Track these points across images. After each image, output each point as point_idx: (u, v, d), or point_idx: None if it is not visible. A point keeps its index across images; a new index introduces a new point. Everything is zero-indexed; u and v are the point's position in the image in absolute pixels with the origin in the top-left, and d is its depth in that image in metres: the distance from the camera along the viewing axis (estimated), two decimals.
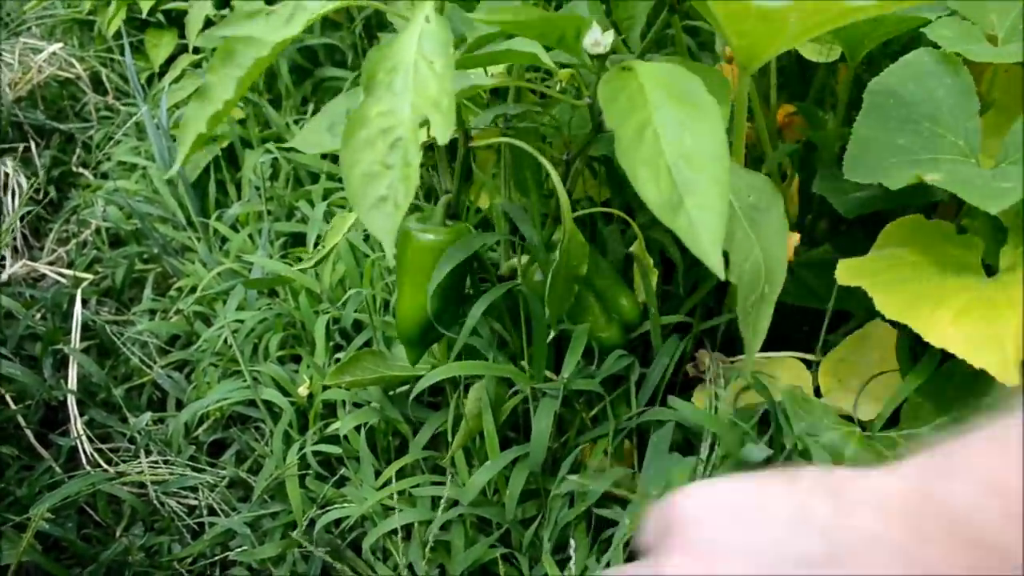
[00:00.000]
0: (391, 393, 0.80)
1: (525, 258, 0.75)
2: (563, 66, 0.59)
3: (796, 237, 0.85)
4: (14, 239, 1.24)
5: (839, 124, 0.87)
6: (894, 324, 0.64)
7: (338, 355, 0.92)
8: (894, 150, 0.64)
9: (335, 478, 0.79)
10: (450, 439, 0.75)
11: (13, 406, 0.94)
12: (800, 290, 0.81)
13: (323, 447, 0.80)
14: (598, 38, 0.51)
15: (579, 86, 0.57)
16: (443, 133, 0.42)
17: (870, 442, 0.56)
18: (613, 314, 0.74)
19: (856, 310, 0.79)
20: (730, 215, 0.52)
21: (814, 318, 0.76)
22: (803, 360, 0.73)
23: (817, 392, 0.71)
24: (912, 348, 0.67)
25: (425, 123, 0.43)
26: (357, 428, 0.80)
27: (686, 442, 0.73)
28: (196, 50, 1.34)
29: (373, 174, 0.42)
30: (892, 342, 0.68)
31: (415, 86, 0.43)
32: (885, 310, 0.59)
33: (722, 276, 0.41)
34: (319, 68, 1.29)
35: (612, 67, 0.48)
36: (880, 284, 0.61)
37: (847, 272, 0.64)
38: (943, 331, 0.56)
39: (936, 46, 0.68)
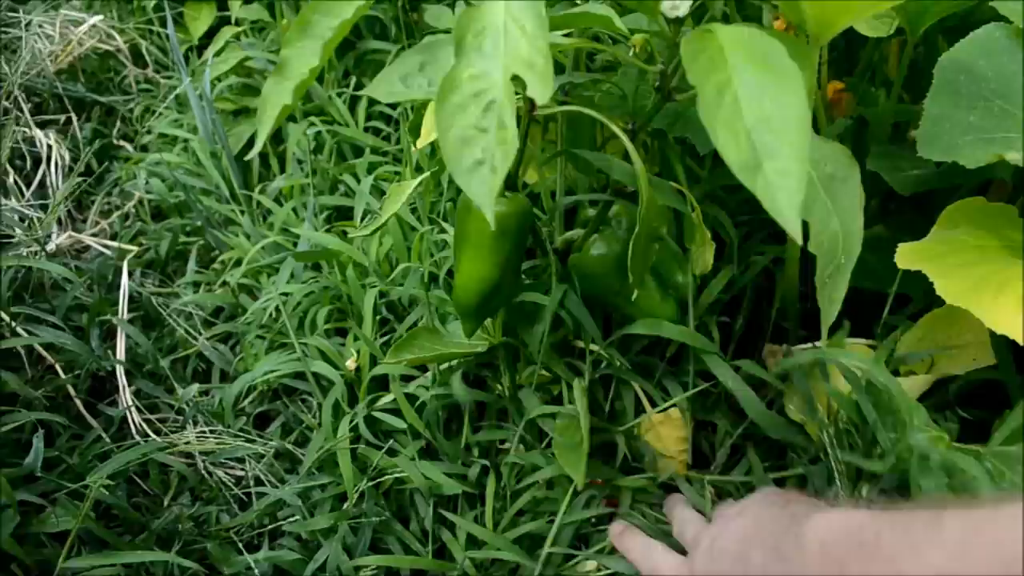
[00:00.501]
0: (442, 367, 0.80)
1: (580, 232, 0.74)
2: (633, 33, 0.58)
3: None
4: (58, 211, 1.25)
5: (893, 101, 0.85)
6: None
7: (385, 330, 0.92)
8: (966, 128, 0.63)
9: (384, 449, 0.79)
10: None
11: (63, 376, 0.94)
12: (856, 270, 0.80)
13: (380, 416, 0.81)
14: (676, 2, 0.50)
15: (652, 51, 0.56)
16: (542, 92, 0.42)
17: (956, 452, 0.55)
18: (670, 290, 0.73)
19: (914, 293, 0.78)
20: (809, 184, 0.52)
21: (869, 300, 0.75)
22: (870, 346, 0.72)
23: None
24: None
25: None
26: (410, 401, 0.80)
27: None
28: (238, 22, 1.34)
29: (467, 138, 0.42)
30: (974, 334, 0.67)
31: (506, 48, 0.43)
32: (946, 295, 0.58)
33: (799, 240, 0.41)
34: (361, 41, 1.29)
35: (693, 29, 0.47)
36: (942, 268, 0.60)
37: (908, 256, 0.63)
38: (1006, 317, 0.54)
39: (1007, 20, 0.66)
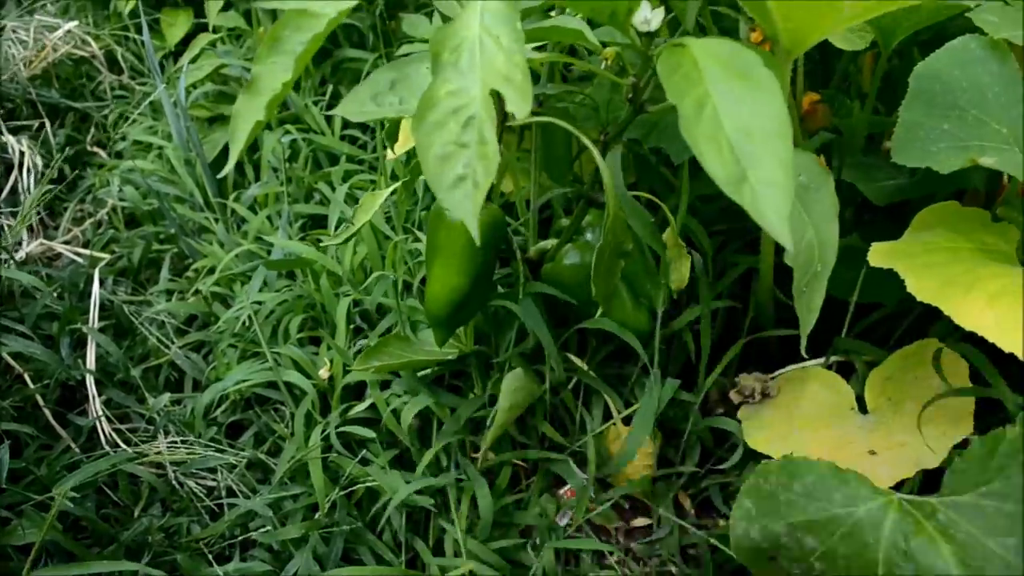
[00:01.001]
0: (419, 374, 0.80)
1: (553, 241, 0.74)
2: (606, 45, 0.58)
3: None
4: (30, 218, 1.23)
5: (868, 112, 0.86)
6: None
7: (359, 338, 0.91)
8: (941, 135, 0.64)
9: (356, 459, 0.79)
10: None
11: (32, 385, 0.93)
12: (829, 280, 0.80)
13: (351, 428, 0.80)
14: (648, 16, 0.51)
15: (624, 65, 0.56)
16: (521, 106, 0.42)
17: (908, 512, 0.55)
18: (641, 299, 0.73)
19: (887, 300, 0.79)
20: None
21: (840, 309, 0.76)
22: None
23: (862, 404, 0.71)
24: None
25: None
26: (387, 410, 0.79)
27: None
28: (214, 29, 1.33)
29: (448, 155, 0.42)
30: (952, 367, 0.68)
31: (483, 62, 0.43)
32: (918, 293, 0.59)
33: (791, 248, 0.41)
34: (338, 49, 1.28)
35: (665, 44, 0.48)
36: (914, 267, 0.61)
37: (880, 255, 0.64)
38: (976, 315, 0.55)
39: (981, 32, 0.67)
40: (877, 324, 0.81)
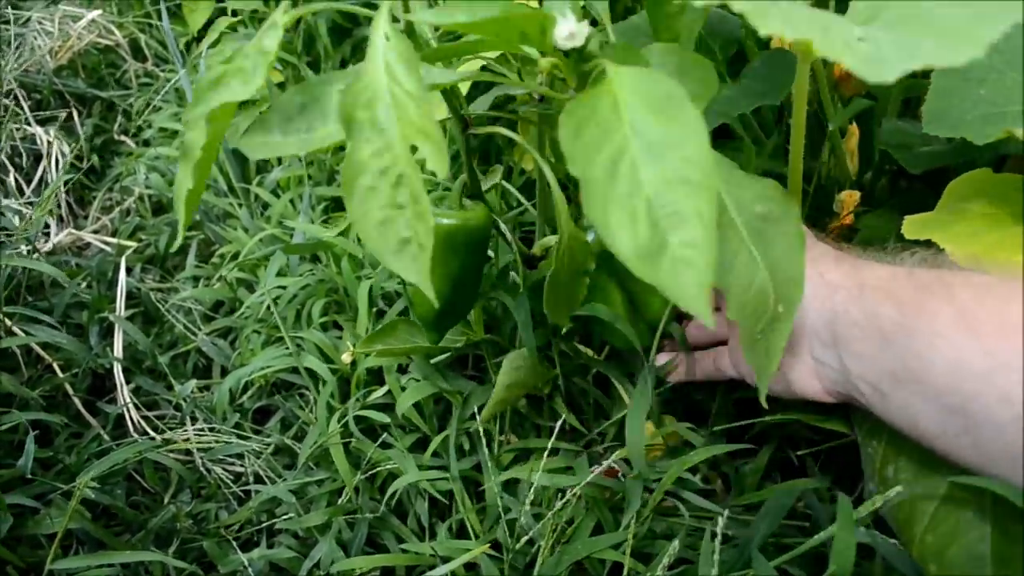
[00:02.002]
0: (434, 361, 0.78)
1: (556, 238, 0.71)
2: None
3: (856, 196, 0.81)
4: (59, 208, 1.25)
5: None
6: None
7: (382, 322, 0.90)
8: (976, 102, 0.60)
9: (377, 444, 0.78)
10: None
11: (61, 374, 0.94)
12: None
13: (368, 413, 0.79)
14: (572, 29, 0.44)
15: (564, 77, 0.50)
16: (440, 165, 0.38)
17: None
18: (641, 313, 0.70)
19: None
20: (729, 239, 0.48)
21: None
22: None
23: None
24: None
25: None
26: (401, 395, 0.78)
27: None
28: (234, 13, 1.32)
29: (387, 219, 0.38)
30: None
31: (398, 116, 0.38)
32: (960, 260, 0.55)
33: (712, 326, 0.35)
34: (358, 28, 1.27)
35: (578, 94, 0.42)
36: (951, 236, 0.58)
37: (914, 226, 0.61)
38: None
39: None
40: None
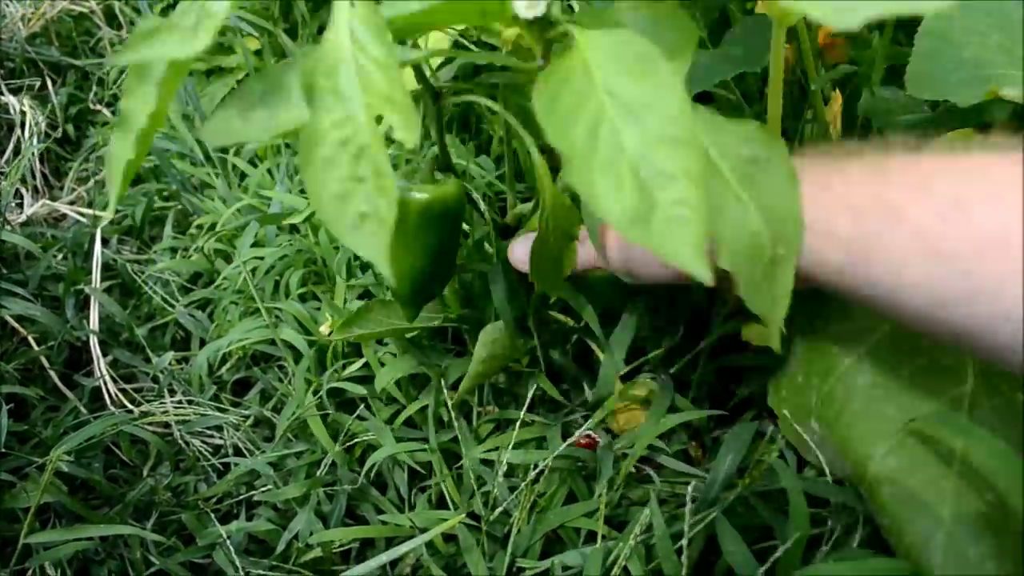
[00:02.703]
0: (413, 336, 0.78)
1: (530, 206, 0.71)
2: None
3: None
4: (34, 179, 1.22)
5: (886, 42, 0.81)
6: None
7: (361, 293, 0.89)
8: (960, 64, 0.59)
9: (355, 415, 0.78)
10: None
11: (36, 347, 0.93)
12: None
13: (346, 385, 0.79)
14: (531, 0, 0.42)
15: (530, 46, 0.48)
16: (410, 135, 0.36)
17: None
18: None
19: None
20: (715, 186, 0.45)
21: None
22: None
23: None
24: None
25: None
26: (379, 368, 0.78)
27: None
28: None
29: (345, 193, 0.37)
30: None
31: (362, 84, 0.37)
32: None
33: (710, 282, 0.33)
34: None
35: (549, 62, 0.41)
36: None
37: None
38: None
39: None
40: None
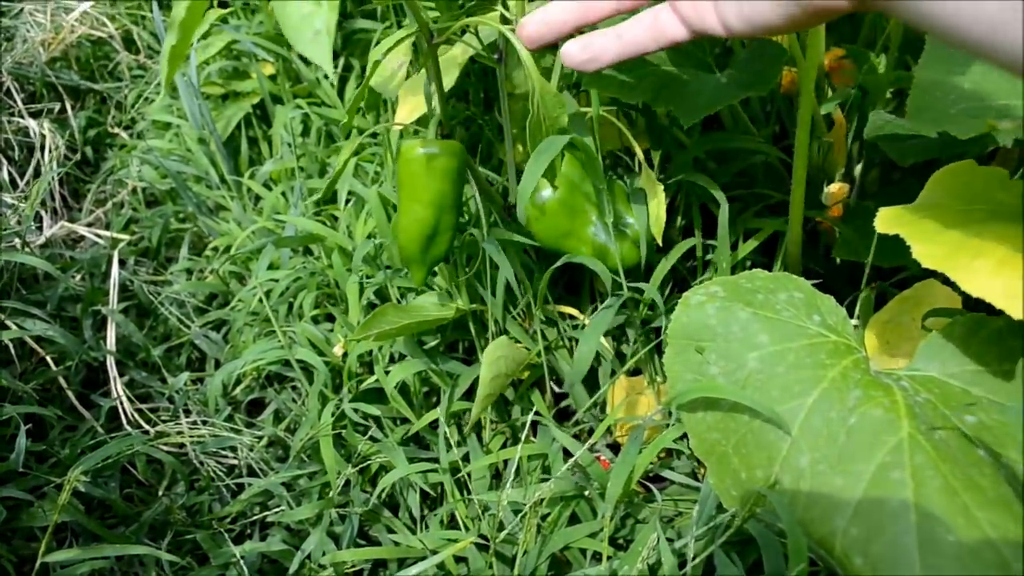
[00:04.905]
0: (425, 347, 0.79)
1: None
2: None
3: (845, 188, 0.81)
4: (53, 201, 1.25)
5: (891, 67, 0.82)
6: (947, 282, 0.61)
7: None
8: (961, 95, 0.59)
9: (366, 437, 0.79)
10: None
11: (54, 368, 0.94)
12: (848, 246, 0.77)
13: (359, 405, 0.80)
14: None
15: None
16: None
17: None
18: (624, 229, 0.72)
19: (911, 265, 0.75)
20: None
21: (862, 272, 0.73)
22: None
23: None
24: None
25: None
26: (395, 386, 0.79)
27: None
28: (224, 4, 1.32)
29: (307, 14, 0.47)
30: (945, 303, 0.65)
31: None
32: (923, 259, 0.55)
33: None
34: (348, 20, 1.26)
35: None
36: (920, 232, 0.57)
37: (886, 220, 0.60)
38: (982, 281, 0.52)
39: None
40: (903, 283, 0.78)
